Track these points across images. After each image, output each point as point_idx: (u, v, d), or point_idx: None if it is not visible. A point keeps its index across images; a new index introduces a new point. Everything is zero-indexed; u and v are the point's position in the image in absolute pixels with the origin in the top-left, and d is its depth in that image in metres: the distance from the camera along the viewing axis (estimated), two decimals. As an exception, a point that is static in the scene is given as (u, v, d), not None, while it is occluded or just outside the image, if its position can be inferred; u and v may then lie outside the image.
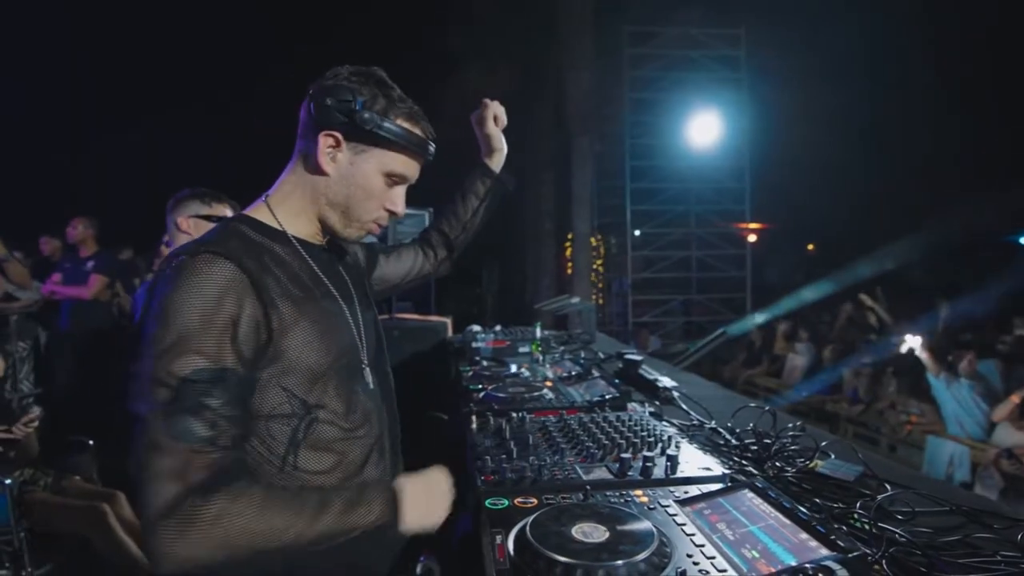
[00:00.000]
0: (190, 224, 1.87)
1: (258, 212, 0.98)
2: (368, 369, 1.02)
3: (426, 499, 0.91)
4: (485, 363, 2.36)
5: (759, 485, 0.90)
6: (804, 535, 0.75)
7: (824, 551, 0.71)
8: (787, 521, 0.79)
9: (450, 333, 3.80)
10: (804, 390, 6.53)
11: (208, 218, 1.87)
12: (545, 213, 10.86)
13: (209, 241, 0.87)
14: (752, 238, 13.09)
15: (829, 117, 10.44)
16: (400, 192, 1.01)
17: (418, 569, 2.25)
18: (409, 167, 1.00)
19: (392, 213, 1.01)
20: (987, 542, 0.94)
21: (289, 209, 0.99)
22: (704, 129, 9.61)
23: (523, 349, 2.59)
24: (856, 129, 10.84)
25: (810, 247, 16.66)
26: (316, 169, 0.96)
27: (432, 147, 1.03)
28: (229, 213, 1.92)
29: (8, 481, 2.08)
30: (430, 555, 2.14)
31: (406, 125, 0.97)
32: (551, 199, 10.84)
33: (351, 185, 0.96)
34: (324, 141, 0.94)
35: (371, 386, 1.02)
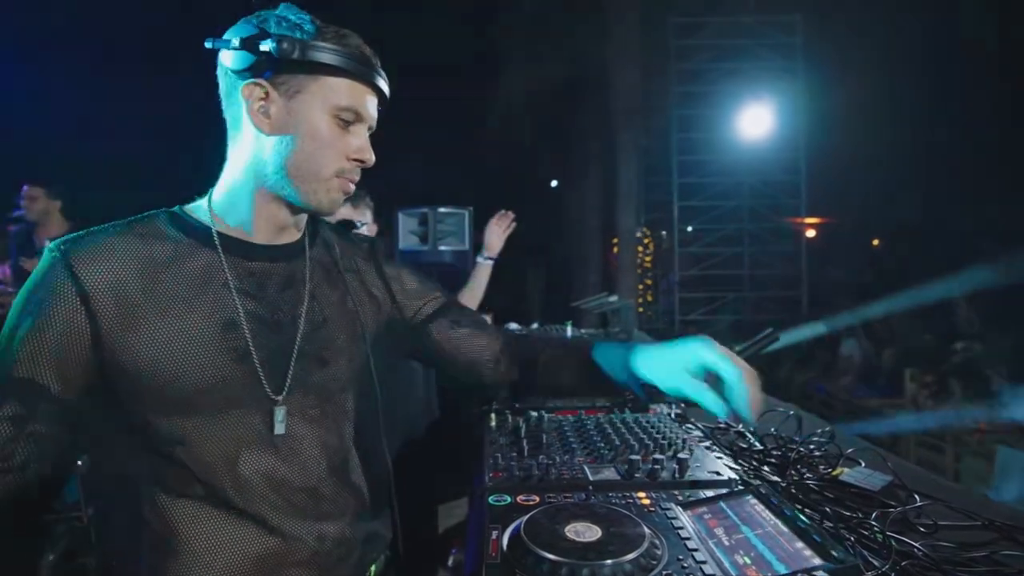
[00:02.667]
0: None
1: (194, 204, 0.87)
2: (281, 409, 0.83)
3: None
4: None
5: (763, 491, 0.89)
6: (800, 544, 0.74)
7: (817, 560, 0.70)
8: (785, 529, 0.78)
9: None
10: (859, 393, 6.23)
11: None
12: (591, 209, 10.78)
13: (76, 237, 0.78)
14: (811, 233, 12.52)
15: (891, 106, 9.85)
16: (359, 134, 0.85)
17: (449, 562, 2.30)
18: (356, 95, 0.82)
19: (359, 162, 0.85)
20: (1017, 560, 0.88)
21: (229, 198, 0.85)
22: (756, 121, 9.29)
23: (557, 348, 2.60)
24: (921, 118, 10.18)
25: (875, 243, 15.82)
26: (251, 135, 0.81)
27: (378, 67, 0.84)
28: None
29: (79, 462, 2.28)
30: (461, 547, 2.19)
31: (337, 45, 0.79)
32: (597, 195, 10.75)
33: (297, 138, 0.80)
34: (250, 94, 0.79)
35: (278, 431, 0.83)
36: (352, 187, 0.87)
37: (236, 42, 0.77)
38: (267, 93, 0.79)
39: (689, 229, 10.35)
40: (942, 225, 9.53)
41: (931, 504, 1.07)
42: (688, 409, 1.67)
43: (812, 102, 9.53)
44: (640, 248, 11.11)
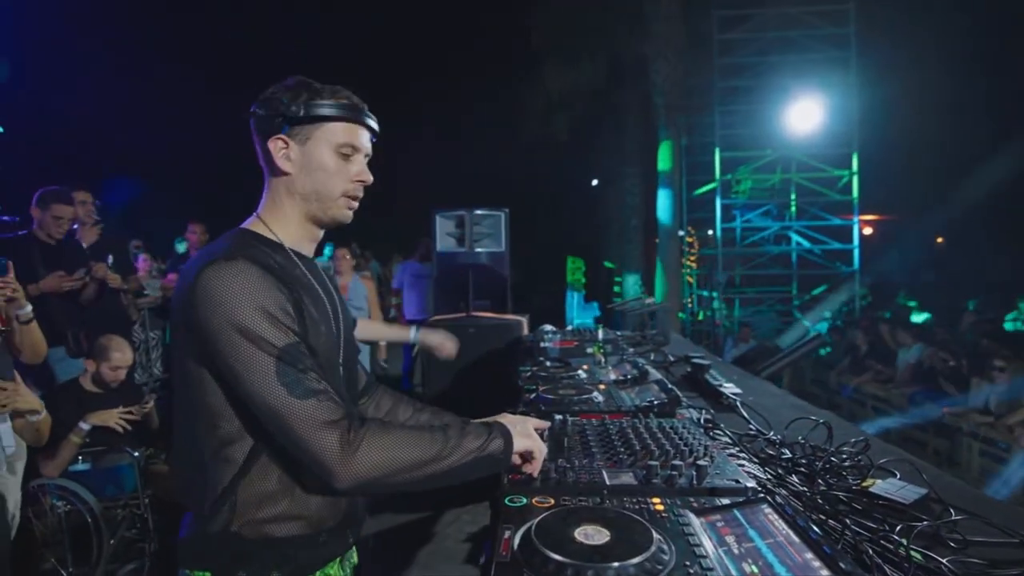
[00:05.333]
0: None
1: (255, 227, 1.08)
2: (341, 368, 1.12)
3: (522, 426, 1.08)
4: (548, 363, 2.40)
5: (778, 501, 0.88)
6: (809, 555, 0.73)
7: (824, 572, 0.69)
8: (796, 540, 0.77)
9: (525, 332, 3.87)
10: (918, 398, 5.91)
11: None
12: (631, 209, 10.66)
13: (231, 248, 0.97)
14: (868, 231, 11.96)
15: (952, 96, 9.29)
16: (358, 162, 1.08)
17: (482, 559, 2.34)
18: (352, 133, 1.06)
19: (360, 182, 1.09)
20: (1052, 580, 0.84)
21: (279, 220, 1.08)
22: (805, 115, 8.93)
23: (590, 350, 2.60)
24: (984, 109, 9.57)
25: (939, 240, 14.99)
26: (280, 173, 1.06)
27: (366, 111, 1.08)
28: None
29: (136, 454, 2.45)
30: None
31: (331, 99, 1.04)
32: (637, 194, 10.62)
33: (311, 171, 1.04)
34: (274, 146, 1.04)
35: (340, 382, 1.11)
36: (356, 204, 1.10)
37: (260, 111, 1.03)
38: (286, 143, 1.03)
39: (734, 227, 10.07)
40: (1010, 222, 8.92)
41: (965, 519, 1.03)
42: (718, 415, 1.65)
43: (866, 94, 9.10)
44: (685, 248, 10.89)
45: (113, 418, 2.51)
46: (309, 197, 1.06)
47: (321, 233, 1.14)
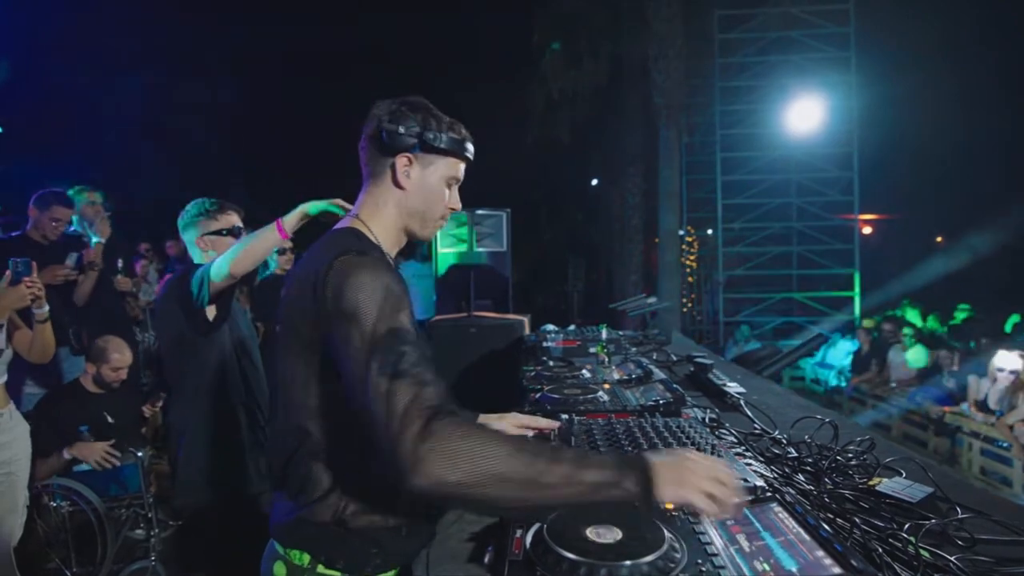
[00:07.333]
0: (206, 242, 1.98)
1: (360, 228, 1.15)
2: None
3: (680, 471, 0.80)
4: (551, 363, 2.40)
5: (788, 499, 0.88)
6: (820, 553, 0.74)
7: (836, 570, 0.69)
8: (807, 537, 0.78)
9: (527, 331, 3.86)
10: (918, 397, 5.92)
11: (219, 232, 1.98)
12: (632, 208, 10.66)
13: (359, 246, 1.05)
14: (867, 230, 11.98)
15: (954, 94, 9.30)
16: (455, 192, 1.20)
17: (486, 559, 2.35)
18: (460, 168, 1.19)
19: (453, 210, 1.21)
20: (1059, 578, 0.85)
21: (380, 225, 1.16)
22: (805, 115, 8.94)
23: (593, 349, 2.60)
24: (987, 106, 9.58)
25: (939, 239, 15.01)
26: (396, 186, 1.14)
27: (472, 147, 1.20)
28: (236, 219, 2.03)
29: (140, 454, 2.45)
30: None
31: (455, 135, 1.15)
32: (638, 194, 10.62)
33: (425, 192, 1.15)
34: (400, 162, 1.12)
35: None
36: (443, 225, 1.22)
37: (402, 129, 1.10)
38: (411, 162, 1.12)
39: (735, 227, 10.07)
40: (1013, 220, 8.94)
41: (973, 517, 1.03)
42: (723, 414, 1.66)
43: (866, 93, 9.12)
44: (685, 247, 10.90)
45: (96, 455, 2.48)
46: (415, 214, 1.16)
47: (404, 243, 1.23)
